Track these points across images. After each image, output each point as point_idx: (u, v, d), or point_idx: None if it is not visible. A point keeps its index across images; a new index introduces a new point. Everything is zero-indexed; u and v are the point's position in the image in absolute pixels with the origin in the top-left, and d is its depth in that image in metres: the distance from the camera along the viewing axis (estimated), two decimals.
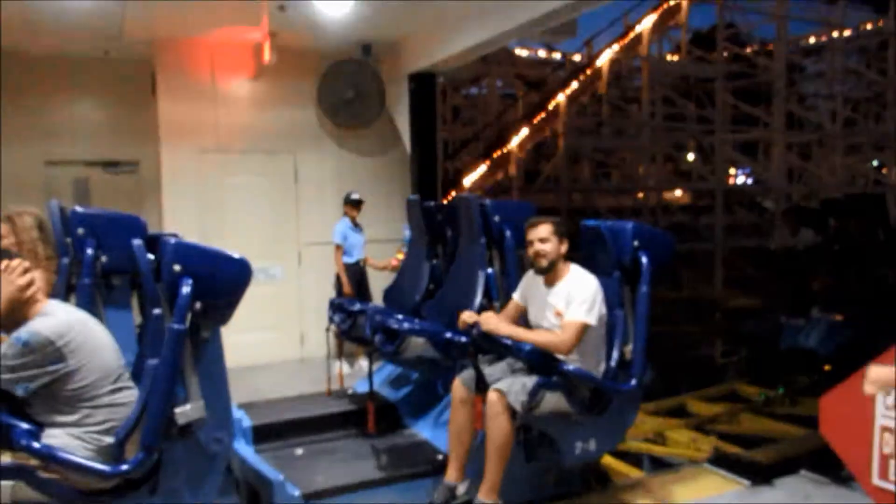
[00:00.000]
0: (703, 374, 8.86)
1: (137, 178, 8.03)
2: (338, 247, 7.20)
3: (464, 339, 4.13)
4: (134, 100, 7.83)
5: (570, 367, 3.70)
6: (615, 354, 3.94)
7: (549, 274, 3.85)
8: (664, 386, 7.42)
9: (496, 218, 4.50)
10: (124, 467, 2.81)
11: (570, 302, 3.72)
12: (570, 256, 3.96)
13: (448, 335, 4.22)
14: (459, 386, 3.85)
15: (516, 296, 4.11)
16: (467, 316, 3.86)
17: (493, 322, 3.74)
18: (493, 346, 3.79)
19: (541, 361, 3.68)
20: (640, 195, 18.45)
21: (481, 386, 3.72)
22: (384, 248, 7.97)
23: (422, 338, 4.22)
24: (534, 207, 4.62)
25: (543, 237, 3.81)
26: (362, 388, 5.10)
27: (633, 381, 3.91)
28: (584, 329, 3.68)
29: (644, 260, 4.00)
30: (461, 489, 3.75)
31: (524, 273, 4.15)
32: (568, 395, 3.72)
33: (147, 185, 7.89)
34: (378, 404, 4.65)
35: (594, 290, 3.75)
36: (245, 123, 7.76)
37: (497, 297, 4.46)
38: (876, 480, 3.51)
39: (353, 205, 7.30)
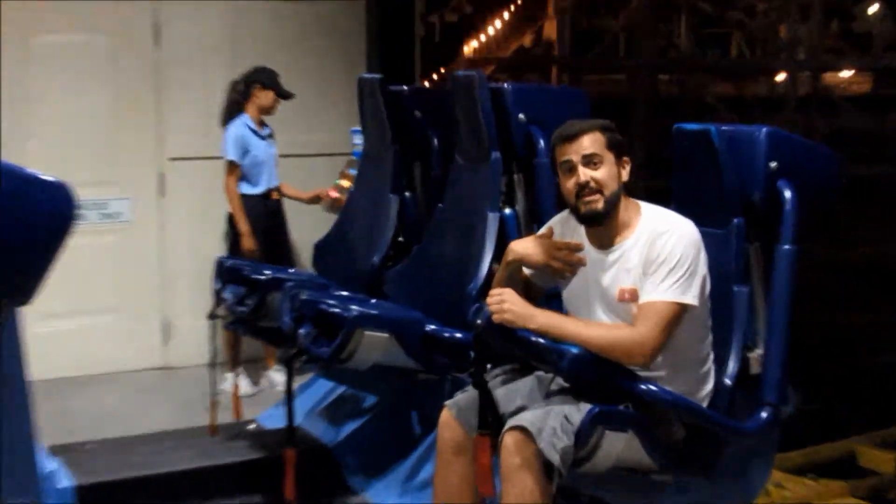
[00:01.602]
0: (888, 400, 8.97)
1: None
2: (231, 166, 7.17)
3: (459, 335, 4.23)
4: None
5: (651, 386, 3.67)
6: (732, 365, 3.95)
7: (606, 224, 3.86)
8: (818, 421, 7.50)
9: (521, 116, 4.51)
10: None
11: (649, 269, 3.73)
12: (650, 191, 3.99)
13: (430, 328, 4.25)
14: (451, 421, 3.87)
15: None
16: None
17: (516, 306, 3.70)
18: (514, 349, 3.81)
19: (598, 377, 3.66)
20: (781, 77, 18.40)
21: (490, 420, 3.71)
22: (317, 168, 8.01)
23: (382, 333, 4.25)
24: (588, 98, 4.61)
25: (591, 155, 3.81)
26: (274, 421, 5.17)
27: (765, 413, 3.90)
28: (678, 316, 3.68)
29: (787, 195, 4.01)
30: None
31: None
32: (646, 439, 3.68)
33: None
34: (304, 450, 4.64)
35: (692, 245, 3.75)
36: None
37: None
38: None
39: (263, 89, 7.28)
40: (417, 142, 5.19)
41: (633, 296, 3.75)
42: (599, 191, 3.79)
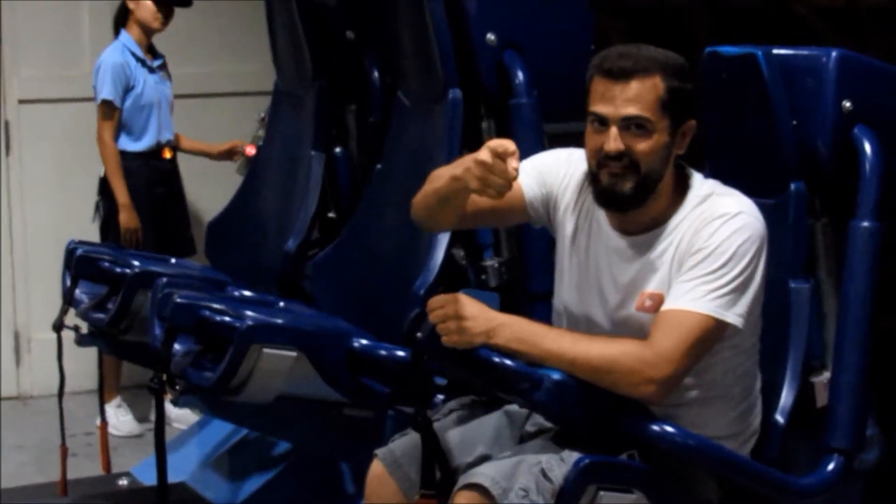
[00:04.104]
0: None
1: None
2: (107, 110, 7.16)
3: (401, 352, 4.14)
4: None
5: (668, 427, 3.51)
6: (787, 394, 3.80)
7: (637, 208, 3.62)
8: None
9: (490, 37, 4.47)
10: None
11: (685, 265, 3.56)
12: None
13: (359, 342, 4.22)
14: (383, 476, 3.73)
15: (529, 186, 3.83)
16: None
17: (471, 318, 3.48)
18: (468, 375, 3.65)
19: (590, 413, 3.53)
20: None
21: (437, 476, 3.59)
22: (228, 114, 8.05)
23: (288, 350, 4.16)
24: (593, 9, 4.69)
25: (636, 117, 3.48)
26: (146, 474, 5.13)
27: (833, 464, 3.73)
28: (713, 336, 3.48)
29: (868, 149, 3.83)
30: None
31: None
32: (662, 503, 3.56)
33: None
34: None
35: (752, 240, 3.53)
36: None
37: (489, 239, 4.50)
38: None
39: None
40: (351, 75, 5.12)
41: (658, 304, 3.58)
42: (634, 167, 3.56)
